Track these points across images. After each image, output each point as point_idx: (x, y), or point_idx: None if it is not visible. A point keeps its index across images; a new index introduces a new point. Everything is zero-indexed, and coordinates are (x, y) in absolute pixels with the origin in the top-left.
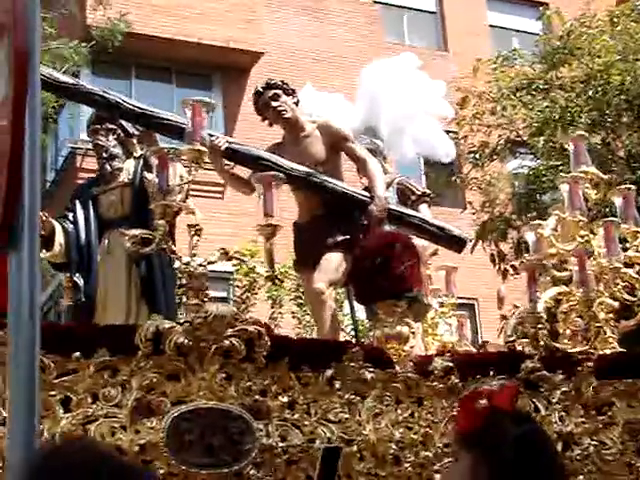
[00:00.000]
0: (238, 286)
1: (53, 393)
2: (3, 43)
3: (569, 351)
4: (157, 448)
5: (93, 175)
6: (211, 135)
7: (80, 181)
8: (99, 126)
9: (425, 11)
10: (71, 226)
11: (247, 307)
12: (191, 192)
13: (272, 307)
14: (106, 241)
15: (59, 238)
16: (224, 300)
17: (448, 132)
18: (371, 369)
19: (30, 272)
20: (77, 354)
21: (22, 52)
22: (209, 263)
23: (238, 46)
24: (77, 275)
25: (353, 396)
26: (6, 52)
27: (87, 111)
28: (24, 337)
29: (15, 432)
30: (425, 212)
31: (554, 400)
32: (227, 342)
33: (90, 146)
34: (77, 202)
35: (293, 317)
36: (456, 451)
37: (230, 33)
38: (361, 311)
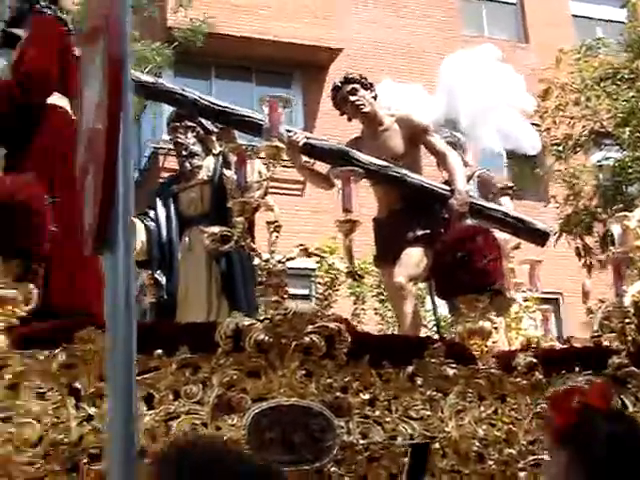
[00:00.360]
0: (320, 283)
1: None
2: (98, 47)
3: None
4: (238, 445)
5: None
6: (289, 131)
7: (161, 179)
8: (178, 124)
9: (505, 2)
10: (152, 224)
11: (329, 304)
12: (271, 190)
13: (354, 304)
14: (187, 238)
15: (141, 236)
16: (306, 297)
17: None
18: (453, 365)
19: (125, 274)
20: (159, 352)
21: (117, 59)
22: (288, 260)
23: (317, 43)
24: (159, 272)
25: (435, 392)
26: (101, 57)
27: (169, 112)
28: (121, 339)
29: (114, 429)
30: (507, 205)
31: None
32: (307, 339)
33: (172, 146)
34: (158, 200)
35: (375, 314)
36: (550, 448)
37: (308, 30)
38: (443, 306)
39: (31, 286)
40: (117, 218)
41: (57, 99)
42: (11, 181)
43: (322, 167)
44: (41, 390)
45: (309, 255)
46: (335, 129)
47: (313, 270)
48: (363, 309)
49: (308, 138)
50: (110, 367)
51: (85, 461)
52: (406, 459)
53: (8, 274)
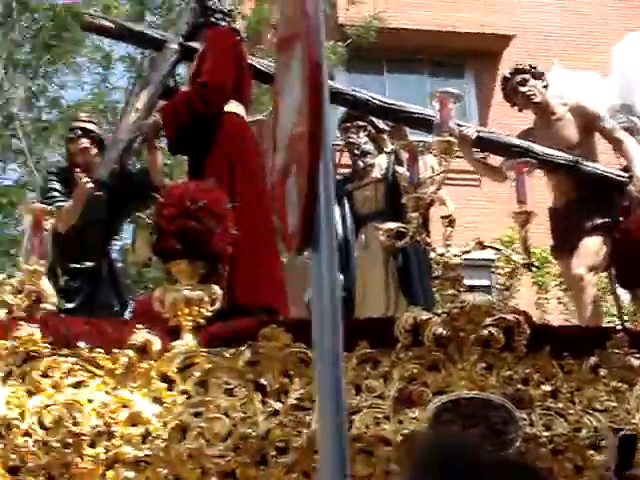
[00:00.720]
0: (500, 273)
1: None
2: (295, 52)
3: None
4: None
5: (350, 170)
6: (460, 125)
7: (338, 177)
8: (350, 124)
9: None
10: None
11: (511, 294)
12: (448, 181)
13: (537, 293)
14: (362, 236)
15: None
16: (487, 288)
17: None
18: (638, 355)
19: (329, 271)
20: None
21: (317, 64)
22: (464, 253)
23: (488, 30)
24: None
25: (620, 384)
26: (299, 61)
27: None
28: (327, 335)
29: (324, 424)
30: None
31: None
32: (486, 331)
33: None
34: None
35: (559, 302)
36: None
37: (479, 18)
38: (625, 295)
39: (216, 287)
40: (320, 217)
41: (233, 107)
42: (194, 187)
43: (495, 160)
44: (229, 386)
45: (484, 248)
46: (510, 118)
47: (492, 260)
48: (546, 298)
49: (479, 131)
50: (317, 363)
51: (273, 454)
52: (592, 451)
53: (194, 276)
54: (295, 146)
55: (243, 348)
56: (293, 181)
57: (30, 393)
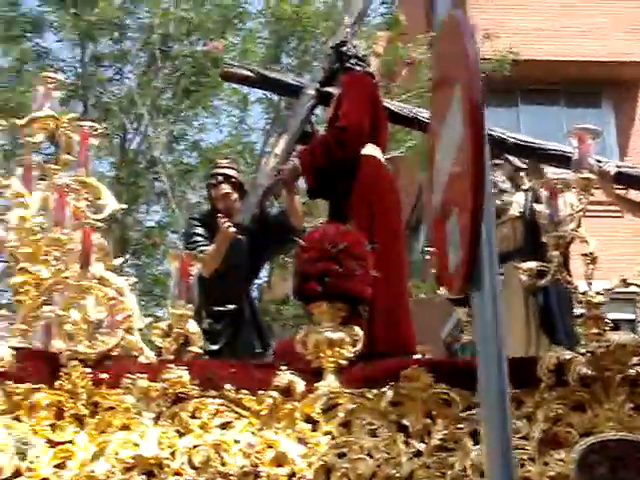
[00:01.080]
0: None
1: (461, 426)
2: (454, 91)
3: None
4: None
5: None
6: (599, 161)
7: None
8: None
9: None
10: None
11: None
12: (589, 213)
13: None
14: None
15: None
16: (631, 322)
17: None
18: None
19: (492, 310)
20: None
21: (478, 107)
22: (607, 291)
23: (625, 58)
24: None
25: None
26: (458, 101)
27: None
28: (493, 373)
29: (491, 465)
30: None
31: None
32: (632, 371)
33: None
34: None
35: None
36: None
37: (616, 46)
38: None
39: (357, 328)
40: (482, 257)
41: (370, 149)
42: (334, 230)
43: (637, 195)
44: (372, 427)
45: (628, 285)
46: None
47: (637, 294)
48: None
49: (619, 167)
50: (483, 403)
51: None
52: None
53: (335, 318)
54: (455, 185)
55: (386, 389)
56: (455, 221)
57: (180, 433)
